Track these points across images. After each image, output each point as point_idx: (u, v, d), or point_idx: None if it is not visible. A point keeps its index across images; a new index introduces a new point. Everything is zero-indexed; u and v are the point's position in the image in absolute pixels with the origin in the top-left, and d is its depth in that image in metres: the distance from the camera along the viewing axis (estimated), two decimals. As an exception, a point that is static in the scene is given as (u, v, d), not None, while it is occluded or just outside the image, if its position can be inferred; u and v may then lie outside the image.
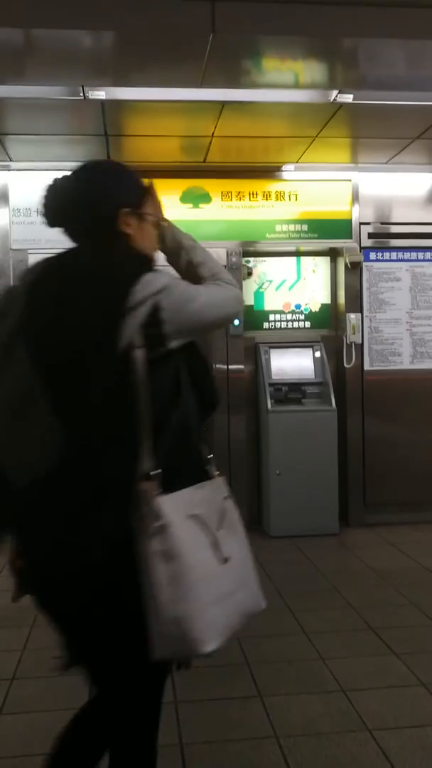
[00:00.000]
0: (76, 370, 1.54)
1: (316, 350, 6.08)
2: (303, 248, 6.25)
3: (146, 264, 1.68)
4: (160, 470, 1.53)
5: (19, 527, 1.65)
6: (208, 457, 1.71)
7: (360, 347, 6.16)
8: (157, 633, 1.52)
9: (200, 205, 6.04)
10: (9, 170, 5.82)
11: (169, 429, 1.58)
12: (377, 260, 6.22)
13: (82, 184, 1.75)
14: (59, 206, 1.75)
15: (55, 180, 1.77)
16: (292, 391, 5.93)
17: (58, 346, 1.56)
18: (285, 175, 6.12)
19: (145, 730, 1.72)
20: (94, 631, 1.63)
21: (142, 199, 1.79)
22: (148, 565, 1.51)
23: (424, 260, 6.26)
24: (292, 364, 6.03)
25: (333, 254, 6.34)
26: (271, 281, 6.29)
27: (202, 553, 1.56)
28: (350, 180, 6.17)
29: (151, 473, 1.53)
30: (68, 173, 1.78)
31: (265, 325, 6.26)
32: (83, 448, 1.55)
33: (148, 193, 1.81)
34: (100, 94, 4.36)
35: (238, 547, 1.66)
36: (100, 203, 1.73)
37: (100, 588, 1.57)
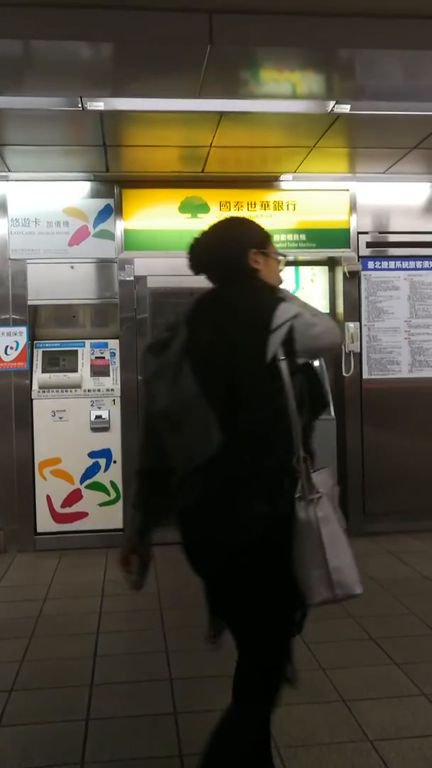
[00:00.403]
0: (231, 379, 1.97)
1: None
2: (301, 258, 6.26)
3: (277, 294, 2.13)
4: (307, 455, 1.96)
5: (181, 509, 2.06)
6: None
7: (359, 356, 6.17)
8: (322, 580, 1.94)
9: (198, 215, 6.05)
10: (8, 181, 5.83)
11: (301, 426, 1.99)
12: (375, 269, 6.23)
13: (216, 235, 2.23)
14: (201, 256, 2.21)
15: (195, 238, 2.24)
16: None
17: (216, 361, 2.00)
18: (283, 185, 6.13)
19: (278, 671, 2.11)
20: (250, 590, 2.01)
21: (265, 241, 2.23)
22: (313, 528, 1.92)
23: (422, 269, 6.27)
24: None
25: (331, 264, 6.36)
26: (269, 290, 6.29)
27: (336, 520, 1.98)
28: (348, 190, 6.19)
29: (303, 456, 1.95)
30: (205, 229, 2.25)
31: (264, 334, 6.25)
32: (238, 441, 1.95)
33: (269, 237, 2.25)
34: (98, 104, 4.37)
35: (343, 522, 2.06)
36: (232, 246, 2.19)
37: (255, 558, 1.96)
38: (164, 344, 2.10)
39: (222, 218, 2.31)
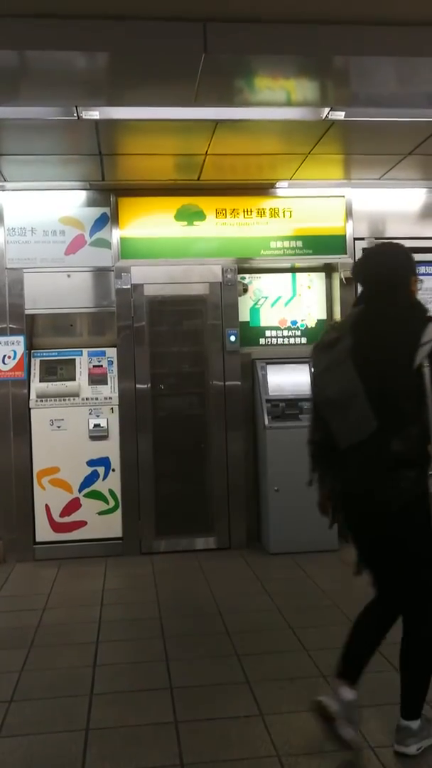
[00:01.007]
0: (385, 379, 2.54)
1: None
2: (298, 264, 6.27)
3: (427, 314, 2.62)
4: None
5: (339, 477, 2.69)
6: None
7: (356, 362, 6.15)
8: None
9: (195, 223, 6.06)
10: (4, 190, 5.84)
11: None
12: (372, 275, 6.23)
13: (386, 260, 2.78)
14: (369, 274, 2.78)
15: (365, 256, 2.85)
16: (290, 407, 5.91)
17: (375, 363, 2.56)
18: (279, 192, 6.15)
19: (427, 606, 2.68)
20: (392, 549, 2.62)
21: (415, 266, 2.82)
22: None
23: (419, 274, 6.26)
24: (289, 379, 6.02)
25: (328, 270, 6.37)
26: (266, 297, 6.31)
27: None
28: (344, 196, 6.21)
29: None
30: (376, 249, 2.89)
31: (262, 341, 6.27)
32: (388, 428, 2.50)
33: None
34: (93, 114, 4.38)
35: None
36: (399, 272, 2.75)
37: (398, 524, 2.55)
38: (331, 344, 2.67)
39: (390, 244, 2.91)
